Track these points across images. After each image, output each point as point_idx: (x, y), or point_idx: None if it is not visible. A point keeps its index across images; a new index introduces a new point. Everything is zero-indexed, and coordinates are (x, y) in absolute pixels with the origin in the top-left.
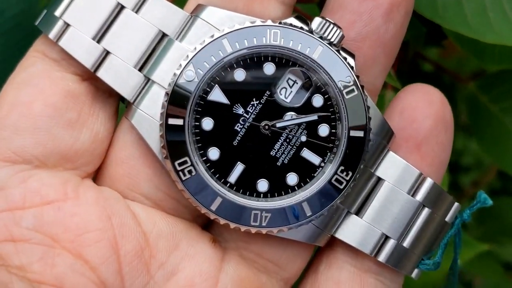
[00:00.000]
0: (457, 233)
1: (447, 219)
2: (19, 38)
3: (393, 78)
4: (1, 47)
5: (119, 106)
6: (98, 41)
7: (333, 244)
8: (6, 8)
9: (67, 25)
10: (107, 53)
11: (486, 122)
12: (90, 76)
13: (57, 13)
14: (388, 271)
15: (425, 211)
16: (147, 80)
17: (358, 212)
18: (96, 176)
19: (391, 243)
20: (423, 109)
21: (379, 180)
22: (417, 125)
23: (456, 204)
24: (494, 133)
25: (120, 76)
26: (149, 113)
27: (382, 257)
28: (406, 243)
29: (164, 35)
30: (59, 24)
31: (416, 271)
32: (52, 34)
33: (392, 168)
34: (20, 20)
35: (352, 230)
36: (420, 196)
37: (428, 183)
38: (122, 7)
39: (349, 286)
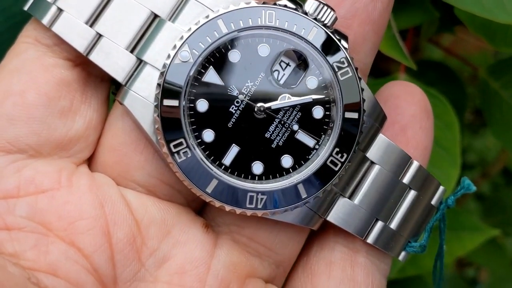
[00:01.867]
0: (441, 218)
1: (433, 202)
2: None
3: (407, 57)
4: (8, 42)
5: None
6: (91, 25)
7: (325, 226)
8: (10, 5)
9: (60, 11)
10: (99, 36)
11: (497, 108)
12: (82, 61)
13: None
14: (378, 251)
15: (412, 193)
16: (139, 61)
17: (350, 196)
18: (89, 163)
19: (379, 225)
20: (405, 98)
21: (372, 163)
22: (401, 111)
23: (441, 187)
24: (505, 119)
25: (112, 58)
26: (142, 94)
27: (370, 239)
28: (393, 225)
29: (156, 16)
30: (52, 10)
31: (403, 253)
32: (45, 20)
33: (383, 151)
34: (24, 18)
35: (344, 213)
36: (406, 178)
37: (414, 166)
38: None
39: (341, 266)
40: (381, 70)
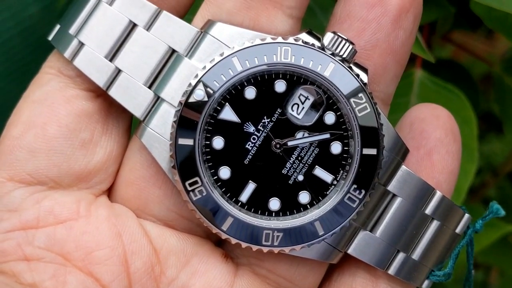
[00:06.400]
0: (469, 243)
1: (457, 230)
2: (36, 38)
3: (424, 50)
4: (18, 46)
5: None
6: (111, 60)
7: (346, 255)
8: (22, 8)
9: (81, 44)
10: (119, 71)
11: (511, 104)
12: (103, 92)
13: (72, 31)
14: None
15: (434, 223)
16: (157, 98)
17: (372, 228)
18: (109, 194)
19: (400, 256)
20: (431, 121)
21: (394, 196)
22: (427, 135)
23: (466, 215)
24: None
25: (130, 94)
26: (159, 132)
27: (392, 270)
28: (415, 256)
29: (173, 51)
30: (74, 43)
31: (426, 282)
32: (67, 53)
33: (405, 183)
34: (37, 20)
35: (365, 246)
36: (429, 209)
37: (437, 196)
38: (135, 25)
39: None
40: None
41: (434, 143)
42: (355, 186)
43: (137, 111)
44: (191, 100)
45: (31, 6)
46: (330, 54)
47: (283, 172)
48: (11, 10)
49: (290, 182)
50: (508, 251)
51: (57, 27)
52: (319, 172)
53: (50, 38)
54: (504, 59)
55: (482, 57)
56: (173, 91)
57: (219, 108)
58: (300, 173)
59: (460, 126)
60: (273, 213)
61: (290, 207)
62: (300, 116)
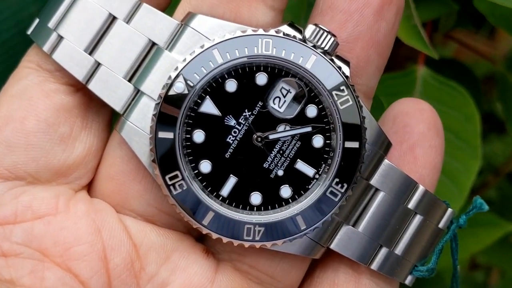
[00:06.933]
0: (453, 238)
1: (440, 225)
2: None
3: (428, 46)
4: (19, 45)
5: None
6: (90, 53)
7: (328, 251)
8: (22, 7)
9: (60, 38)
10: (98, 64)
11: None
12: (83, 86)
13: (51, 24)
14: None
15: (417, 218)
16: (137, 91)
17: (354, 223)
18: (89, 190)
19: (383, 251)
20: (415, 115)
21: (376, 190)
22: (410, 129)
23: (449, 210)
24: None
25: (110, 87)
26: (139, 125)
27: (374, 265)
28: (398, 251)
29: (153, 44)
30: (52, 37)
31: (409, 277)
32: (46, 47)
33: (387, 177)
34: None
35: (347, 241)
36: (412, 204)
37: (420, 190)
38: (114, 18)
39: (345, 287)
40: (398, 64)
41: (417, 137)
42: (337, 180)
43: (117, 105)
44: (171, 93)
45: (31, 5)
46: (312, 46)
47: (264, 166)
48: (11, 9)
49: (272, 176)
50: (509, 251)
51: (36, 20)
52: (301, 166)
53: (29, 32)
54: (507, 57)
55: (485, 55)
56: (153, 84)
57: (200, 101)
58: (282, 167)
59: (464, 123)
60: (255, 208)
61: (272, 201)
62: (281, 109)
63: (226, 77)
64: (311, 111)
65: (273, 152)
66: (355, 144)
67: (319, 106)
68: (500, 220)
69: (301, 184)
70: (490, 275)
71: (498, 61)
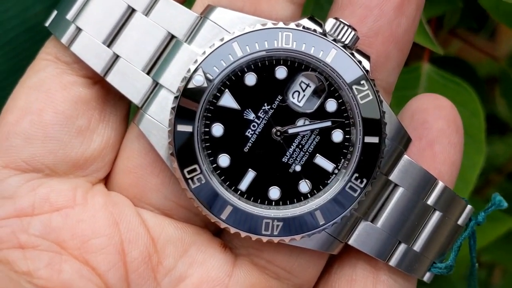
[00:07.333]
0: (471, 235)
1: (459, 222)
2: (42, 36)
3: (433, 42)
4: (25, 44)
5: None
6: (109, 45)
7: (346, 247)
8: (28, 6)
9: (79, 30)
10: (117, 57)
11: None
12: (101, 79)
13: (69, 16)
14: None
15: (436, 215)
16: (156, 84)
17: (373, 219)
18: (106, 183)
19: (401, 247)
20: (433, 112)
21: (395, 186)
22: (429, 125)
23: (469, 207)
24: None
25: (128, 80)
26: (158, 118)
27: (393, 262)
28: (417, 247)
29: (172, 37)
30: (71, 29)
31: (428, 274)
32: (64, 39)
33: (407, 173)
34: (43, 18)
35: (366, 236)
36: (431, 200)
37: (439, 187)
38: (133, 10)
39: (362, 283)
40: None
41: (436, 133)
42: (356, 175)
43: (135, 98)
44: (190, 86)
45: (37, 4)
46: (332, 40)
47: (283, 160)
48: (17, 8)
49: (291, 170)
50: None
51: (54, 13)
52: (320, 160)
53: (47, 24)
54: (510, 55)
55: (488, 53)
56: (172, 77)
57: (219, 95)
58: (301, 161)
59: (468, 119)
60: (273, 202)
61: (290, 196)
62: (301, 104)
63: (246, 70)
64: (331, 105)
65: (292, 146)
66: (375, 139)
67: (339, 101)
68: (504, 215)
69: (320, 179)
70: (493, 273)
71: (501, 59)
